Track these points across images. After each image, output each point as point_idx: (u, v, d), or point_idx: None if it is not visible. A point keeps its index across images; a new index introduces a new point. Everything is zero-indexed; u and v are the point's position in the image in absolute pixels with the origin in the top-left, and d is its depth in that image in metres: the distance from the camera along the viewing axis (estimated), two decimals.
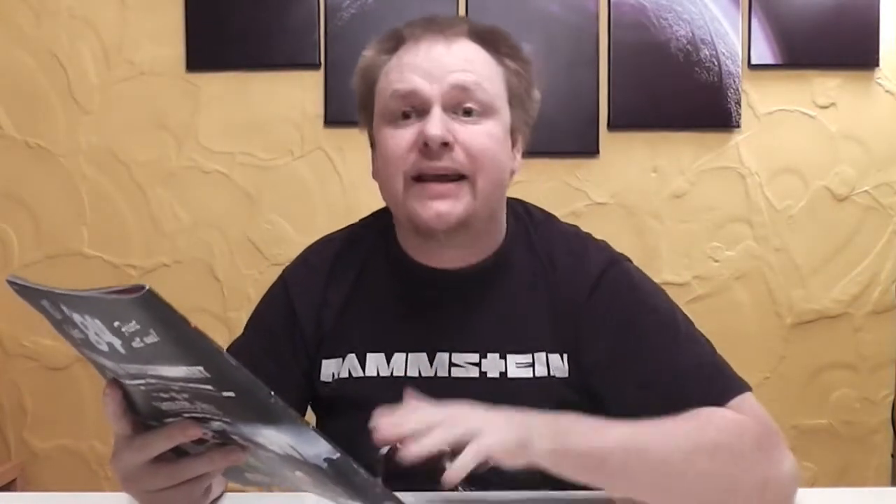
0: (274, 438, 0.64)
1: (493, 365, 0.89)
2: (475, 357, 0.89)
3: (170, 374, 0.58)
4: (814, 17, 2.07)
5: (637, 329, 0.87)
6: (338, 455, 0.64)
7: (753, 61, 2.08)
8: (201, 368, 0.56)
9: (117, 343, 0.56)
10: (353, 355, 0.91)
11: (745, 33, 2.08)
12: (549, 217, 0.98)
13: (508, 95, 0.89)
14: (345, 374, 0.91)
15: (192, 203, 2.13)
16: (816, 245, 2.12)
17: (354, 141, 2.09)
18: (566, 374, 0.89)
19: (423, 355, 0.90)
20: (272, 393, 0.59)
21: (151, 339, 0.54)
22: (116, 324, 0.54)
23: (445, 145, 0.83)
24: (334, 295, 0.94)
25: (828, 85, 2.10)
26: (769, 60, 2.08)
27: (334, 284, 0.95)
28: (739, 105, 2.07)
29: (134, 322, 0.53)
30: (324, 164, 2.12)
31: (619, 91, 2.08)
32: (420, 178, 0.85)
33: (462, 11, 2.06)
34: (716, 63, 2.07)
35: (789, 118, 2.11)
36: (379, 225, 0.98)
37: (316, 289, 0.95)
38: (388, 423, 0.69)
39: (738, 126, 2.09)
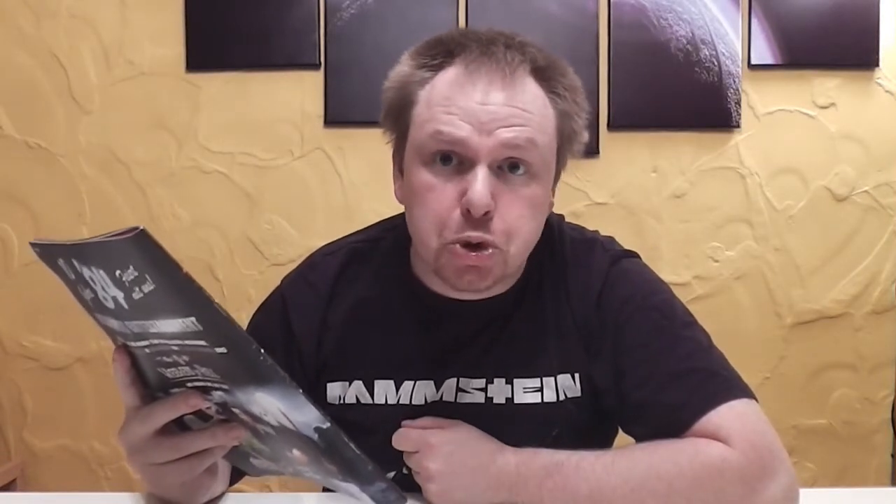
0: (267, 404, 0.65)
1: (499, 390, 0.87)
2: (481, 382, 0.88)
3: (168, 330, 0.60)
4: (814, 17, 2.07)
5: (631, 330, 0.86)
6: (328, 425, 0.65)
7: (753, 61, 2.08)
8: (194, 319, 0.58)
9: (120, 296, 0.59)
10: (361, 382, 0.89)
11: (745, 33, 2.08)
12: (561, 224, 0.94)
13: (559, 141, 0.83)
14: (351, 400, 0.90)
15: (192, 203, 2.13)
16: (816, 245, 2.12)
17: (354, 141, 2.10)
18: (579, 394, 0.88)
19: (431, 382, 0.88)
20: (262, 350, 0.60)
21: (148, 286, 0.56)
22: (118, 272, 0.56)
23: (486, 213, 0.78)
24: (335, 316, 0.91)
25: (828, 85, 2.10)
26: (769, 60, 2.08)
27: (335, 305, 0.92)
28: (739, 105, 2.08)
29: (132, 268, 0.55)
30: (324, 164, 2.12)
31: (619, 91, 2.08)
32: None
33: (462, 12, 2.06)
34: (716, 63, 2.07)
35: (789, 118, 2.11)
36: (390, 243, 0.94)
37: (316, 311, 0.91)
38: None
39: (738, 126, 2.09)
